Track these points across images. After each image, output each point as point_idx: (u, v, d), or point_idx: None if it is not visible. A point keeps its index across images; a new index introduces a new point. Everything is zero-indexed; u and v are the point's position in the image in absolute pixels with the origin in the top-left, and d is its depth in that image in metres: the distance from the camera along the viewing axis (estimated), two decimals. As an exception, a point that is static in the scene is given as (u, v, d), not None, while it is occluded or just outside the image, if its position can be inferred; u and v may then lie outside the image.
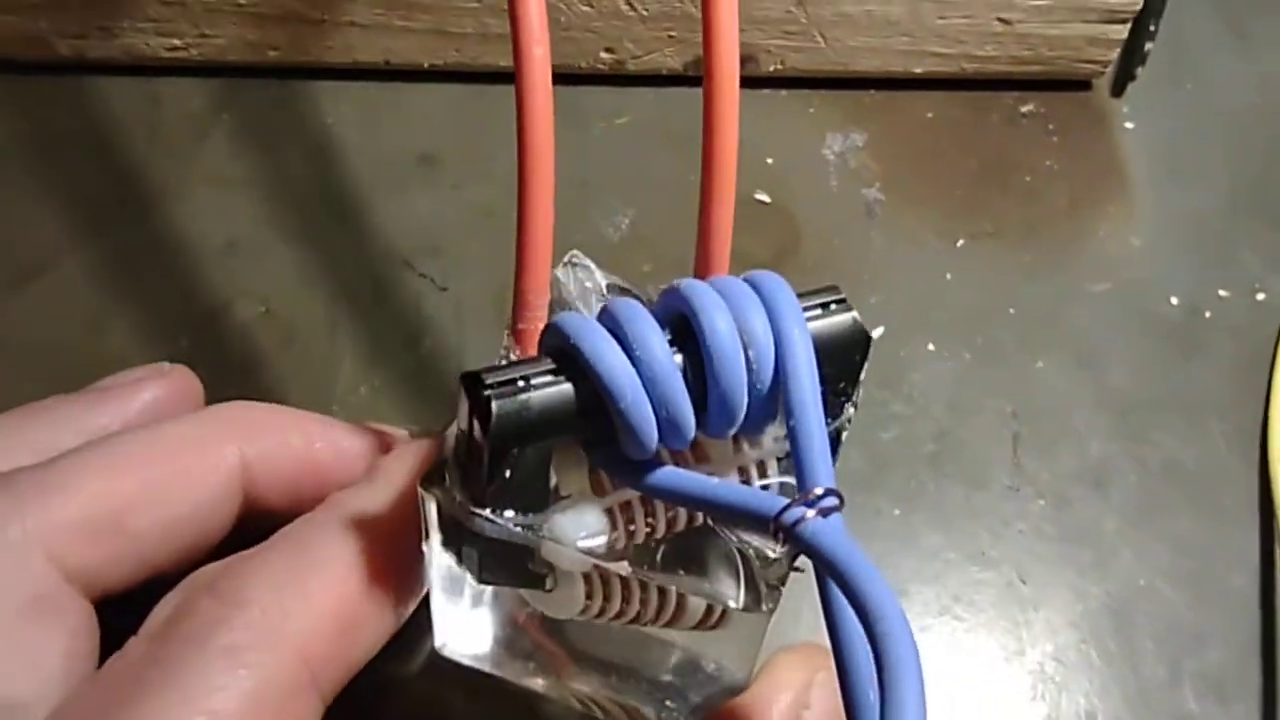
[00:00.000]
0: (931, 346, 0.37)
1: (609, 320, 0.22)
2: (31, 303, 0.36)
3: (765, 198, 0.40)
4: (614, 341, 0.21)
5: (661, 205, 0.40)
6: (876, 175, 0.41)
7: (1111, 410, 0.36)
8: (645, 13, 0.40)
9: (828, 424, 0.23)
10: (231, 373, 0.35)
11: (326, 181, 0.39)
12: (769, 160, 0.41)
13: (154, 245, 0.37)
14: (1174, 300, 0.39)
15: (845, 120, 0.42)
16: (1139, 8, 0.40)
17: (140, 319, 0.36)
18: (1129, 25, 0.41)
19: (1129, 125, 0.43)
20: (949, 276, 0.39)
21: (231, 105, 0.41)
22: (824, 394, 0.22)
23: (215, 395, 0.34)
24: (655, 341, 0.21)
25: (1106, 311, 0.38)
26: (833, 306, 0.23)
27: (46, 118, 0.40)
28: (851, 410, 0.24)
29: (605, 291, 0.27)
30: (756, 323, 0.22)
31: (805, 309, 0.23)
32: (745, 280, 0.23)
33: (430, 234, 0.38)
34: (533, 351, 0.24)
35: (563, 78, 0.43)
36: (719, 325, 0.21)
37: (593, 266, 0.27)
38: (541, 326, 0.24)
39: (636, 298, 0.27)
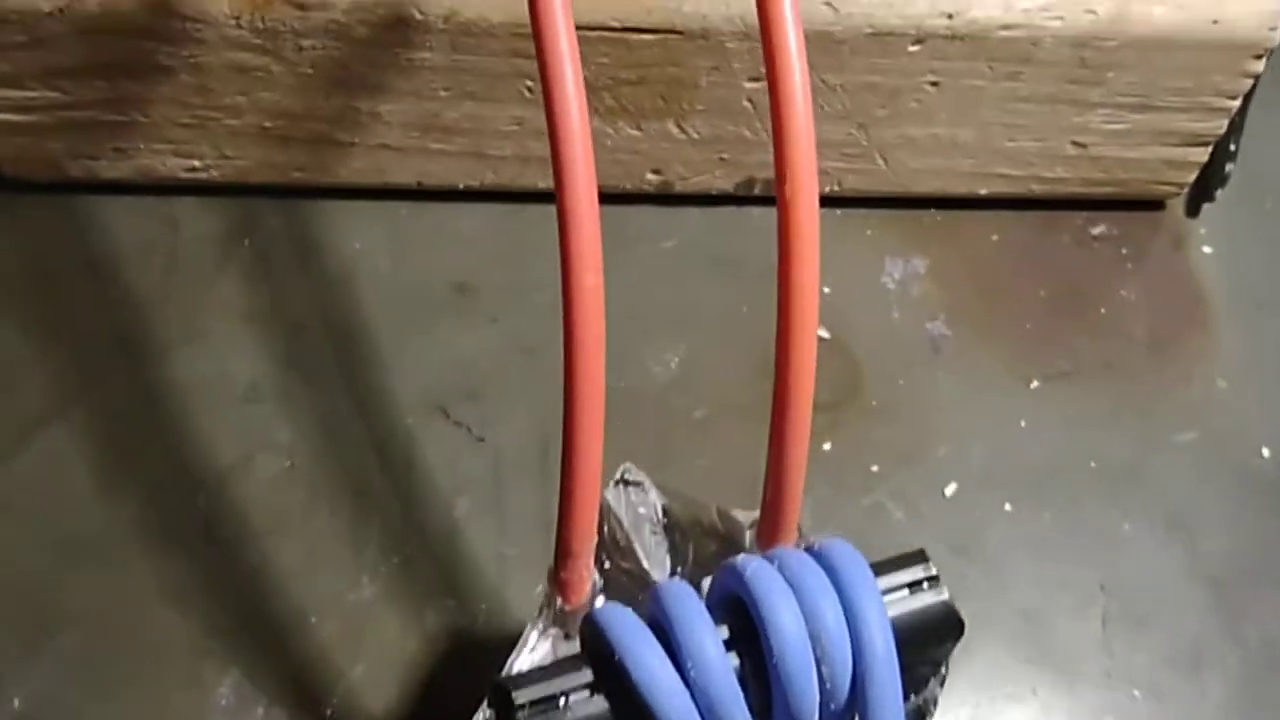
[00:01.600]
0: (1009, 507, 0.34)
1: (658, 613, 0.19)
2: (37, 459, 0.33)
3: (824, 333, 0.37)
4: (664, 656, 0.18)
5: (712, 340, 0.37)
6: (941, 306, 0.38)
7: (1205, 581, 0.33)
8: (696, 136, 0.37)
9: (909, 699, 0.20)
10: (253, 537, 0.32)
11: (356, 314, 0.37)
12: (826, 289, 0.38)
13: (170, 390, 0.34)
14: (1265, 452, 0.36)
15: (905, 244, 0.40)
16: (1222, 132, 0.38)
17: (155, 476, 0.33)
18: (1210, 148, 0.39)
19: (1207, 249, 0.40)
20: (1023, 424, 0.36)
21: (253, 229, 0.38)
22: (906, 676, 0.19)
23: (236, 565, 0.32)
24: (712, 654, 0.18)
25: (1194, 465, 0.35)
26: (924, 585, 0.20)
27: (55, 243, 0.37)
28: (939, 689, 0.21)
29: (661, 515, 0.24)
30: (830, 620, 0.19)
31: (887, 590, 0.20)
32: (816, 554, 0.20)
33: (466, 374, 0.36)
34: (574, 602, 0.21)
35: (606, 197, 0.41)
36: (786, 628, 0.18)
37: (646, 484, 0.24)
38: (585, 575, 0.22)
39: (696, 520, 0.24)
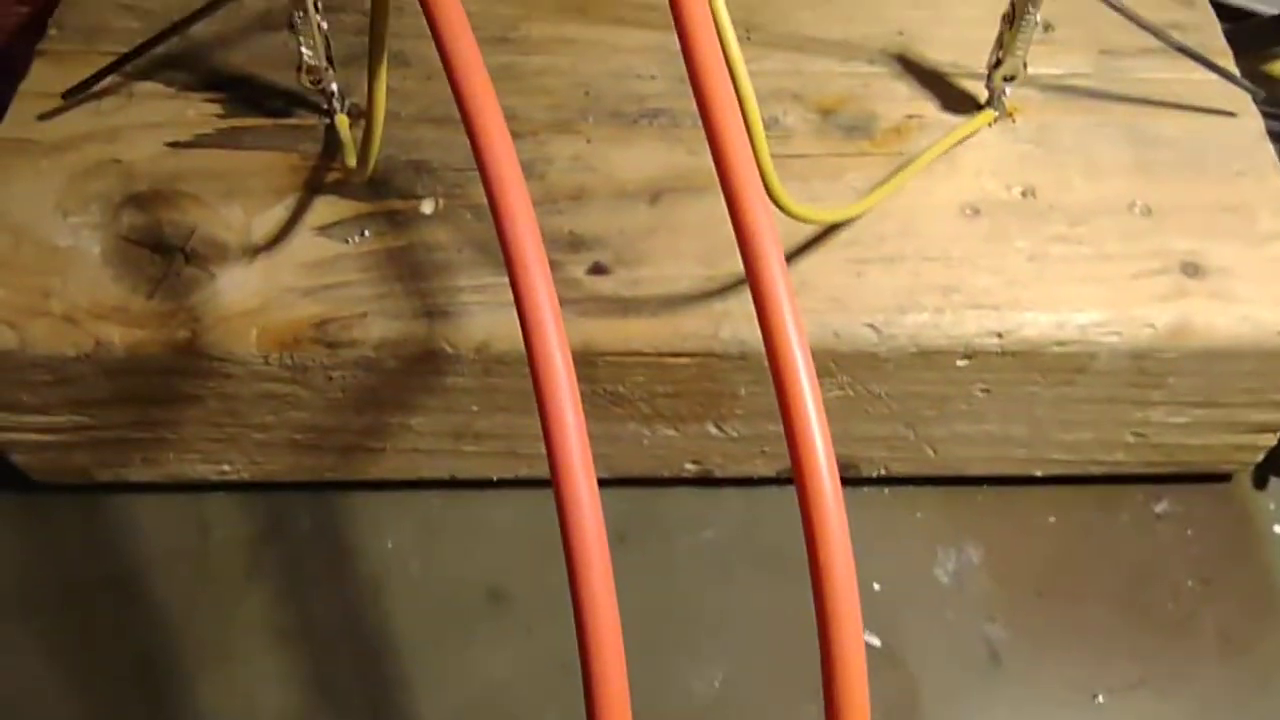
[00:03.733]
0: None
1: None
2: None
3: (875, 640, 0.36)
4: None
5: (758, 651, 0.35)
6: (998, 605, 0.36)
7: None
8: (735, 435, 0.36)
9: None
10: None
11: (386, 627, 0.36)
12: (876, 586, 0.37)
13: (196, 726, 0.33)
14: (1354, 782, 0.33)
15: (957, 529, 0.38)
16: (1291, 419, 0.36)
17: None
18: (1278, 433, 0.37)
19: (1278, 528, 0.38)
20: (1090, 750, 0.34)
21: (284, 529, 0.37)
22: None
23: None
24: None
25: (1276, 796, 0.33)
26: None
27: (82, 549, 0.37)
28: None
29: None
30: None
31: None
32: None
33: (500, 697, 0.34)
34: None
35: (643, 482, 0.40)
36: None
37: None
38: None
39: None
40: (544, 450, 0.37)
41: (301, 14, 0.33)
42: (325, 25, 0.34)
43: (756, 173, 0.25)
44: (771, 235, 0.25)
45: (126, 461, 0.36)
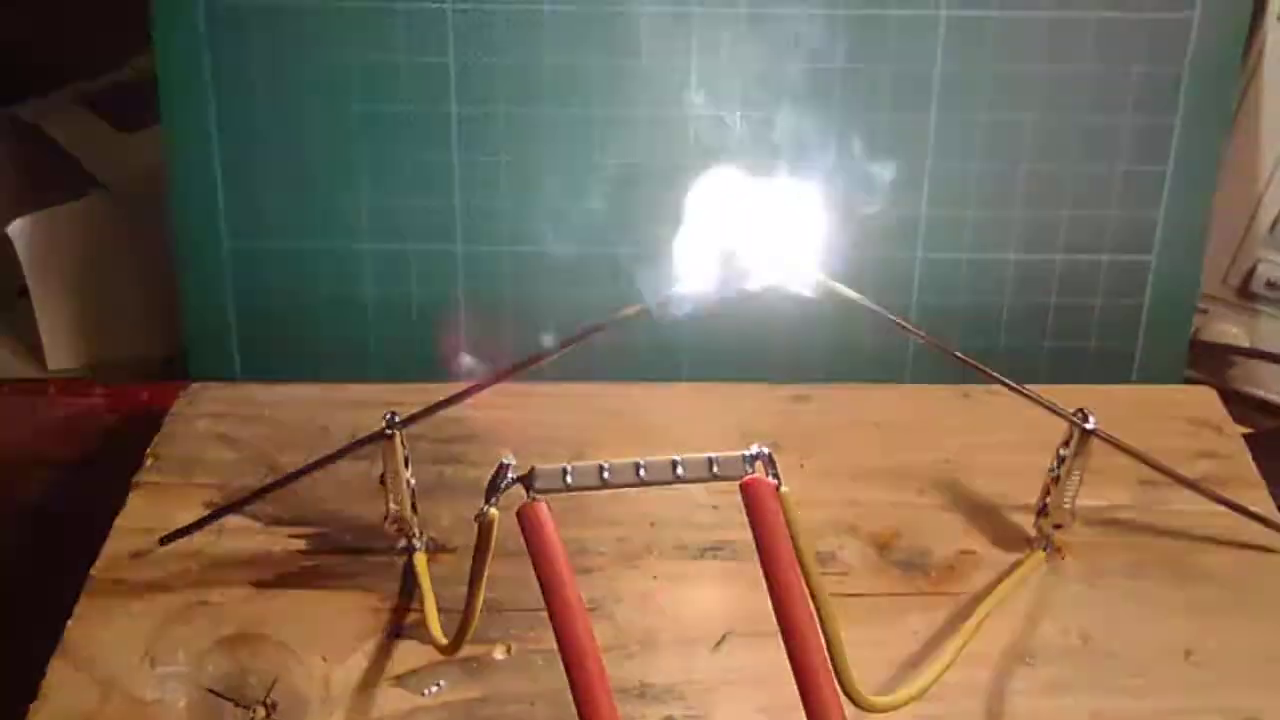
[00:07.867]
0: None
1: None
2: None
3: None
4: None
5: None
6: None
7: None
8: None
9: None
10: None
11: None
12: None
13: None
14: None
15: None
16: None
17: None
18: None
19: None
20: None
21: None
22: None
23: None
24: None
25: None
26: None
27: None
28: None
29: None
30: None
31: None
32: None
33: None
34: None
35: None
36: None
37: None
38: None
39: None
40: None
41: (394, 474, 0.36)
42: (414, 481, 0.36)
43: (836, 685, 0.27)
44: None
45: None
